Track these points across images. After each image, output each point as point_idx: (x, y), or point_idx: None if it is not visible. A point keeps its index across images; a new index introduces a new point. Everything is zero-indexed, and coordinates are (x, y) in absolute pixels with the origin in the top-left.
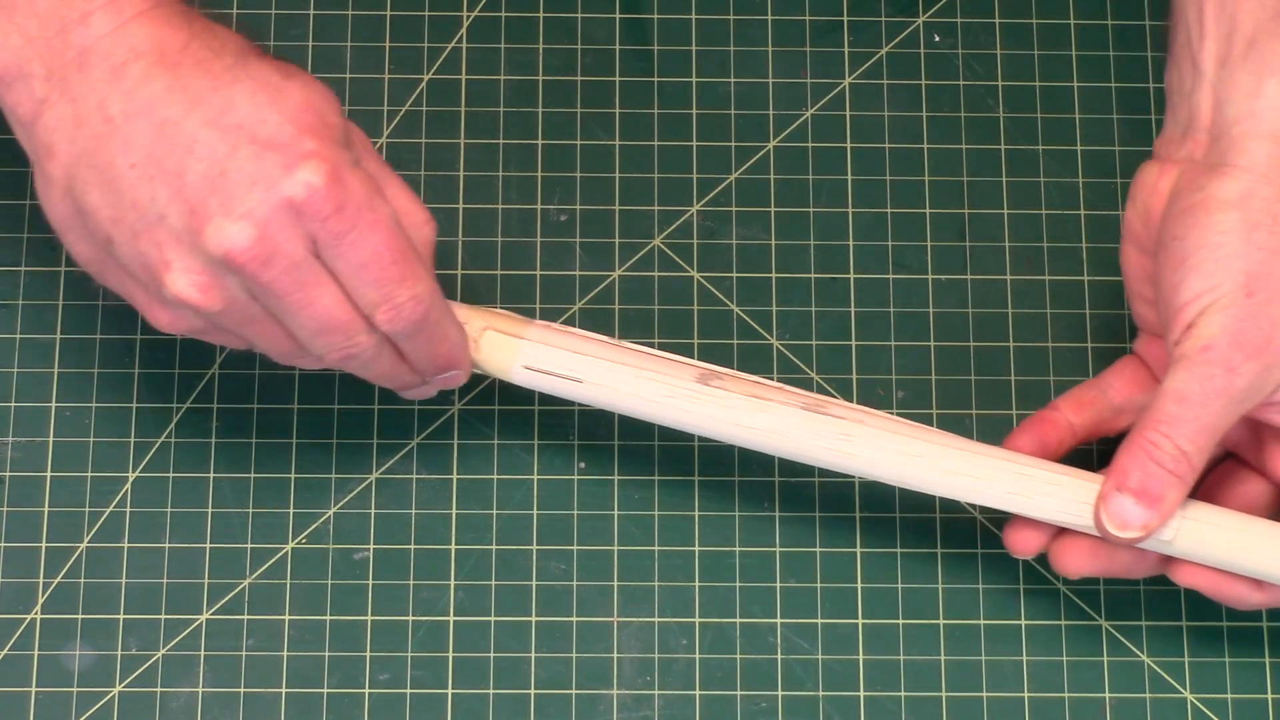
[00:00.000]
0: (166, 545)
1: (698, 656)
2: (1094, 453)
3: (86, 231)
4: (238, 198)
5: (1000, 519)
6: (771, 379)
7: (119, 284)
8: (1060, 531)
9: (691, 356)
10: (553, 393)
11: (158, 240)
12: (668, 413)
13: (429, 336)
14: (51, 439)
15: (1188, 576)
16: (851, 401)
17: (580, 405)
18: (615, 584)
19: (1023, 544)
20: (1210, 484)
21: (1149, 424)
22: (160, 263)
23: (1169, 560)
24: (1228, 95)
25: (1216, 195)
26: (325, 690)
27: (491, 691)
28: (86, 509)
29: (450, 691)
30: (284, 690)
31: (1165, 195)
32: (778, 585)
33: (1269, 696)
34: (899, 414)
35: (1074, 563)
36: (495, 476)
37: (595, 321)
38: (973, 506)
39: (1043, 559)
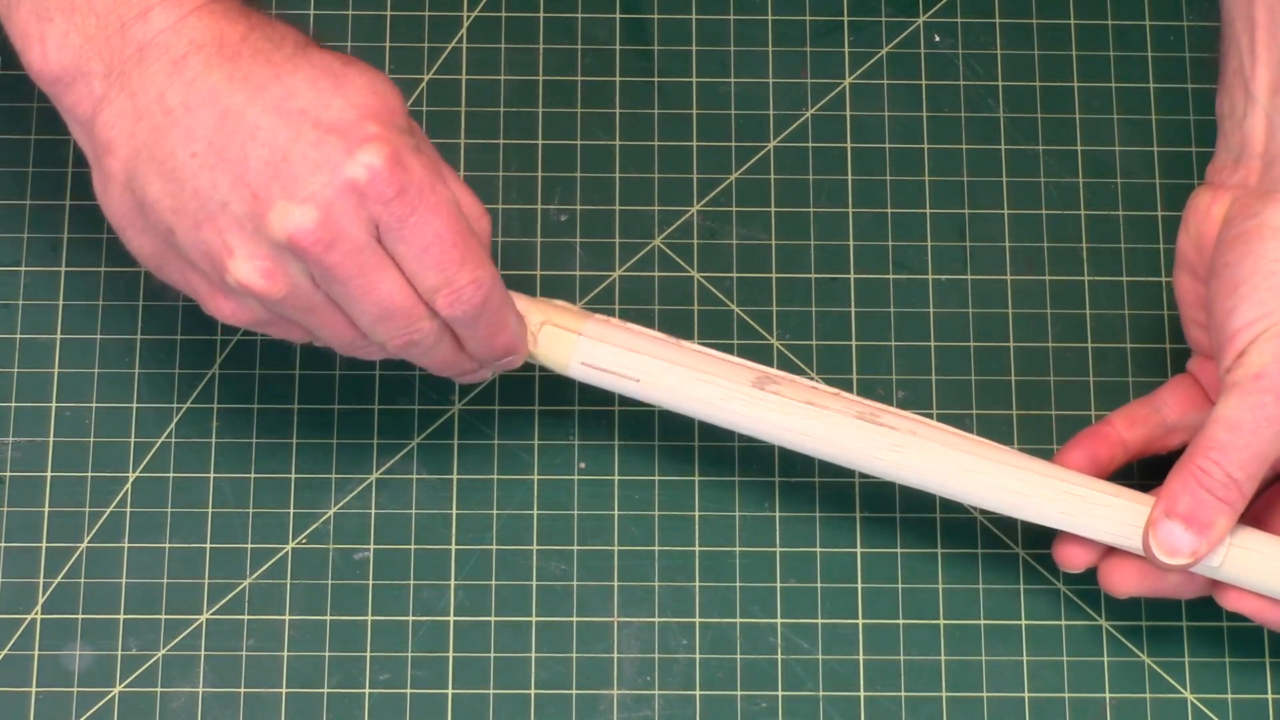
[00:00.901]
0: (166, 545)
1: (698, 656)
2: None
3: (148, 224)
4: (301, 182)
5: (1000, 520)
6: (827, 386)
7: (181, 277)
8: (1109, 550)
9: None
10: (608, 388)
11: (220, 227)
12: (722, 414)
13: (489, 323)
14: (52, 439)
15: (1234, 601)
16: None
17: (638, 404)
18: (615, 584)
19: (1072, 559)
20: (1259, 507)
21: (1199, 451)
22: (223, 249)
23: (1216, 586)
24: None
25: (1270, 223)
26: (325, 690)
27: (491, 691)
28: (87, 509)
29: (450, 691)
30: (284, 690)
31: (1218, 221)
32: (778, 585)
33: (1269, 696)
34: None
35: (1122, 583)
36: (495, 476)
37: None
38: (973, 507)
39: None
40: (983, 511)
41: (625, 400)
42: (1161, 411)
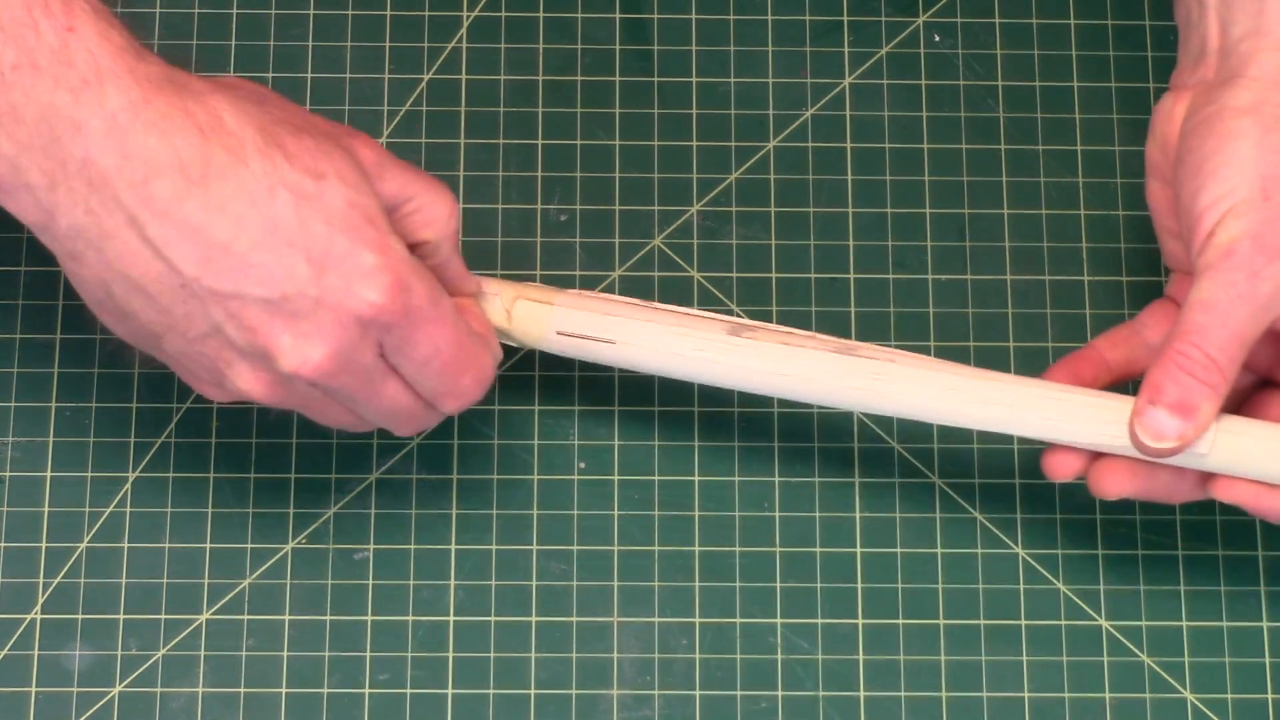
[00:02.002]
0: (166, 545)
1: (698, 656)
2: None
3: (129, 327)
4: (303, 319)
5: (1000, 519)
6: (801, 329)
7: (172, 363)
8: (1098, 455)
9: None
10: (586, 357)
11: (217, 347)
12: (700, 366)
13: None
14: (51, 439)
15: (1227, 490)
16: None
17: (618, 370)
18: (615, 584)
19: (1061, 467)
20: (1245, 411)
21: (1178, 336)
22: (221, 362)
23: (1208, 480)
24: (1232, 17)
25: (1230, 104)
26: (325, 690)
27: (491, 691)
28: (86, 509)
29: (450, 691)
30: (284, 690)
31: (1180, 119)
32: (778, 585)
33: (1269, 696)
34: None
35: (1113, 484)
36: (495, 476)
37: None
38: (972, 506)
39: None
40: (983, 511)
41: (626, 399)
42: (1142, 333)
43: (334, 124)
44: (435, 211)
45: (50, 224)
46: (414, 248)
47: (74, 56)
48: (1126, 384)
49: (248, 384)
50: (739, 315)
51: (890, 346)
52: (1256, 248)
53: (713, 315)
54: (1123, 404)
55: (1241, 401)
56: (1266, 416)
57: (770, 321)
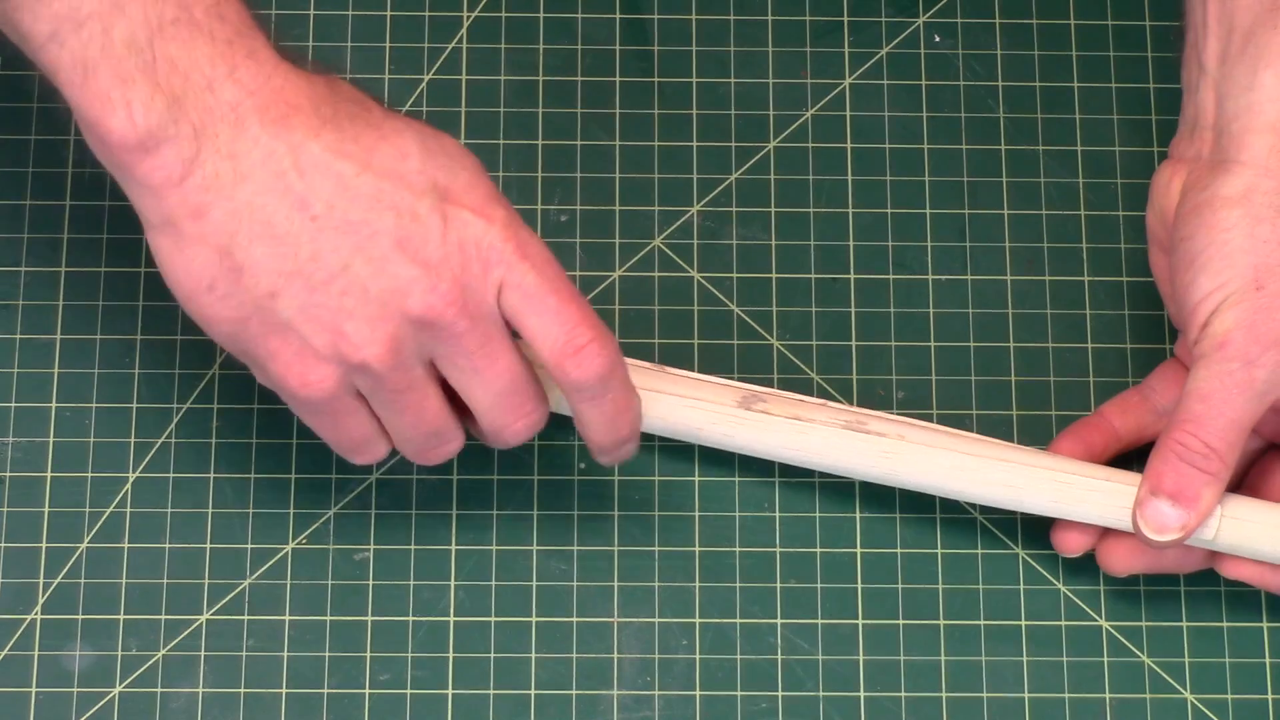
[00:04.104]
0: (166, 545)
1: (698, 657)
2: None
3: (237, 289)
4: (429, 248)
5: (1000, 519)
6: (812, 397)
7: (261, 345)
8: (1106, 532)
9: (692, 356)
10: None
11: (341, 290)
12: (713, 437)
13: (616, 396)
14: (52, 439)
15: (1234, 570)
16: (853, 403)
17: None
18: (615, 584)
19: (1069, 544)
20: (1255, 475)
21: (1176, 425)
22: (340, 312)
23: (1214, 558)
24: (1227, 90)
25: (1220, 193)
26: (325, 690)
27: (492, 692)
28: (87, 509)
29: (450, 692)
30: (284, 691)
31: (1177, 195)
32: (778, 585)
33: (1269, 697)
34: (902, 414)
35: (1120, 562)
36: (495, 477)
37: None
38: (973, 507)
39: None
40: (983, 511)
41: None
42: (1151, 399)
43: None
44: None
45: (188, 175)
46: None
47: (226, 12)
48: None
49: (365, 339)
50: (742, 317)
51: (901, 419)
52: (1250, 337)
53: (724, 383)
54: (1129, 486)
55: (1249, 465)
56: (1274, 479)
57: (770, 323)
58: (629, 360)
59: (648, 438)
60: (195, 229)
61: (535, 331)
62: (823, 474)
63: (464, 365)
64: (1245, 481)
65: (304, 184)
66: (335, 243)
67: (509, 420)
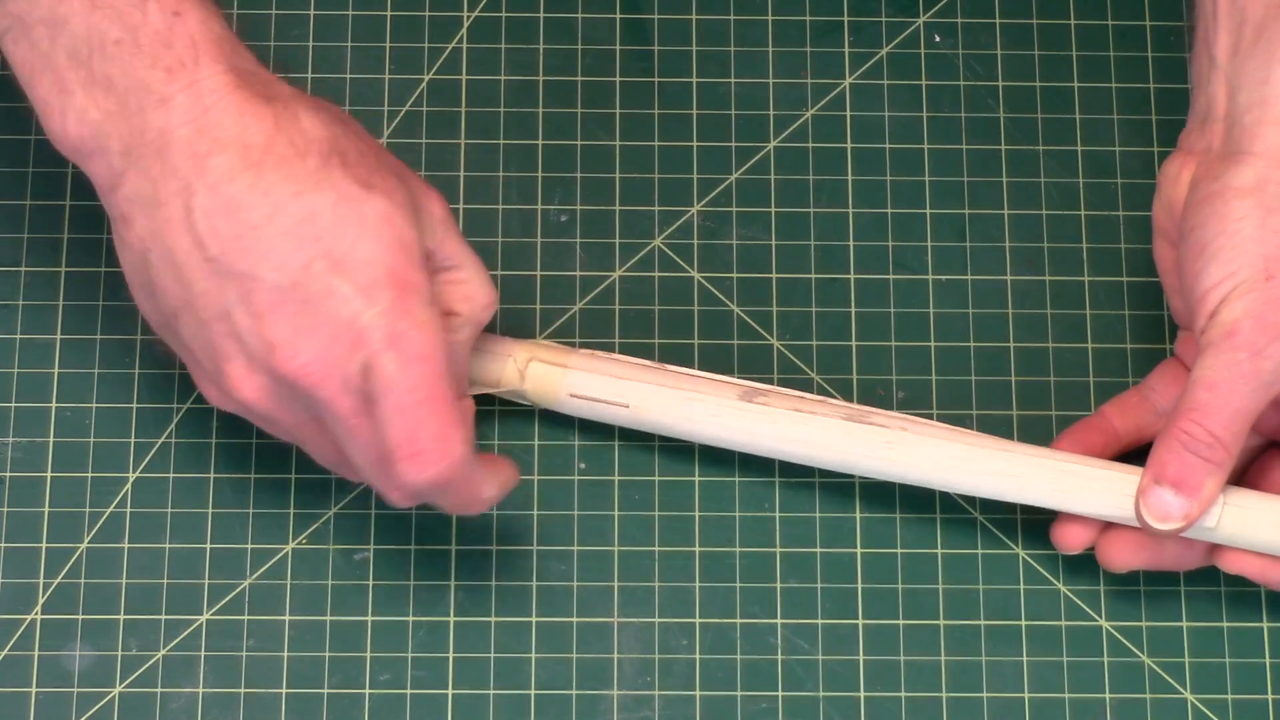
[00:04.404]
0: (167, 545)
1: (698, 657)
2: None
3: (154, 302)
4: (305, 313)
5: (1000, 519)
6: (812, 393)
7: (177, 350)
8: (1106, 527)
9: (692, 357)
10: (599, 418)
11: (222, 333)
12: (712, 430)
13: (457, 494)
14: (52, 439)
15: (1234, 563)
16: (853, 402)
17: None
18: (615, 584)
19: (1070, 539)
20: (1254, 473)
21: (1182, 414)
22: (222, 355)
23: (1216, 549)
24: (1239, 83)
25: (1232, 184)
26: (325, 691)
27: (491, 692)
28: (87, 509)
29: (450, 692)
30: (284, 691)
31: (1186, 186)
32: (778, 585)
33: (1269, 697)
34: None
35: (1120, 556)
36: None
37: (595, 321)
38: (972, 506)
39: (1052, 559)
40: (983, 511)
41: None
42: (1150, 398)
43: (413, 174)
44: (476, 290)
45: (115, 189)
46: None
47: (175, 39)
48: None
49: (240, 383)
50: (742, 317)
51: (901, 414)
52: (1259, 327)
53: (725, 380)
54: (1132, 477)
55: (1249, 462)
56: (1273, 476)
57: (770, 323)
58: (628, 359)
59: (647, 438)
60: (126, 233)
61: (380, 422)
62: (823, 474)
63: (336, 428)
64: (1244, 479)
65: (206, 225)
66: (221, 287)
67: (386, 487)
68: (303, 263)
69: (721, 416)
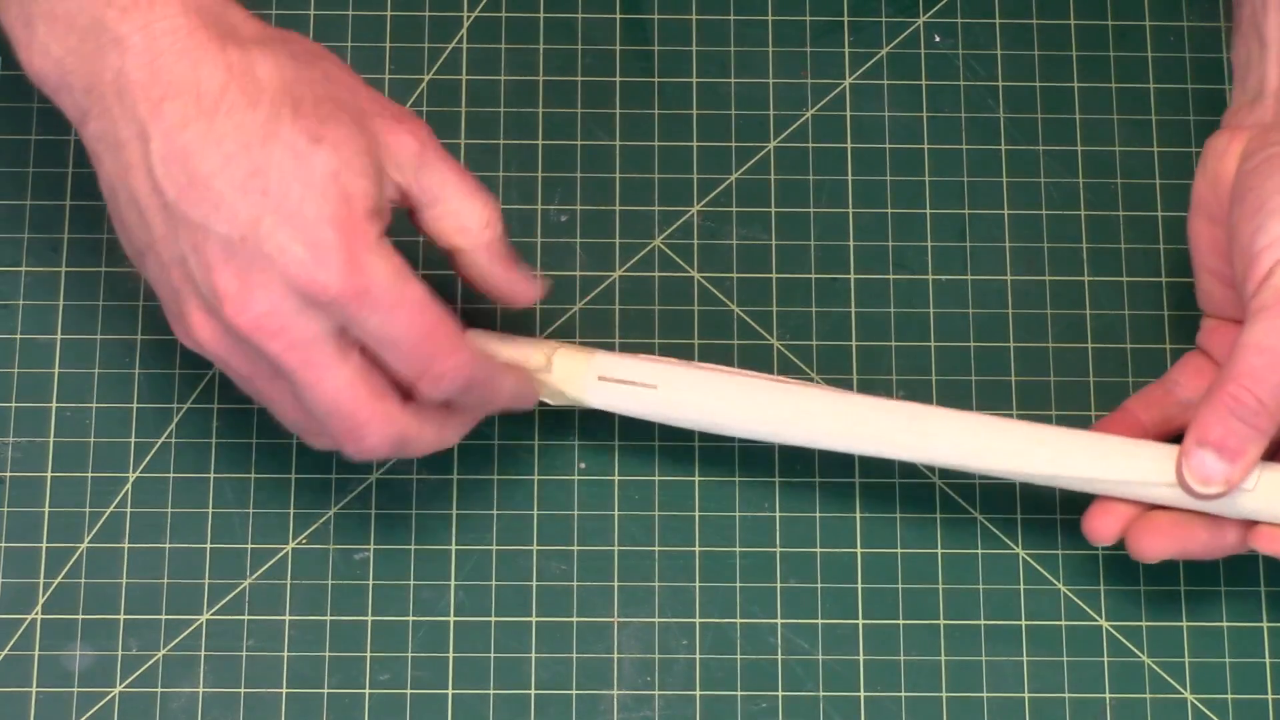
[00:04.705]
0: (167, 545)
1: (698, 657)
2: None
3: (125, 236)
4: (253, 269)
5: (1000, 519)
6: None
7: (151, 282)
8: (1137, 516)
9: (692, 357)
10: (628, 409)
11: (180, 277)
12: (745, 411)
13: (482, 392)
14: (52, 439)
15: (1269, 542)
16: None
17: (656, 421)
18: (615, 584)
19: (1102, 529)
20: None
21: (1230, 378)
22: (182, 298)
23: (1248, 532)
24: None
25: None
26: (325, 691)
27: (492, 692)
28: (87, 509)
29: (450, 692)
30: (284, 690)
31: (1236, 159)
32: (778, 585)
33: (1269, 697)
34: None
35: (1152, 544)
36: (495, 476)
37: (596, 322)
38: (971, 504)
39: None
40: (983, 511)
41: None
42: (1174, 391)
43: (388, 104)
44: (467, 218)
45: (83, 124)
46: (451, 255)
47: None
48: None
49: (199, 327)
50: (742, 317)
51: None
52: None
53: (760, 375)
54: (1168, 449)
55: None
56: None
57: (770, 323)
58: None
59: (647, 438)
60: (98, 168)
61: (389, 365)
62: (823, 474)
63: (290, 381)
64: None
65: (162, 170)
66: (176, 233)
67: (341, 442)
68: (251, 218)
69: (756, 394)
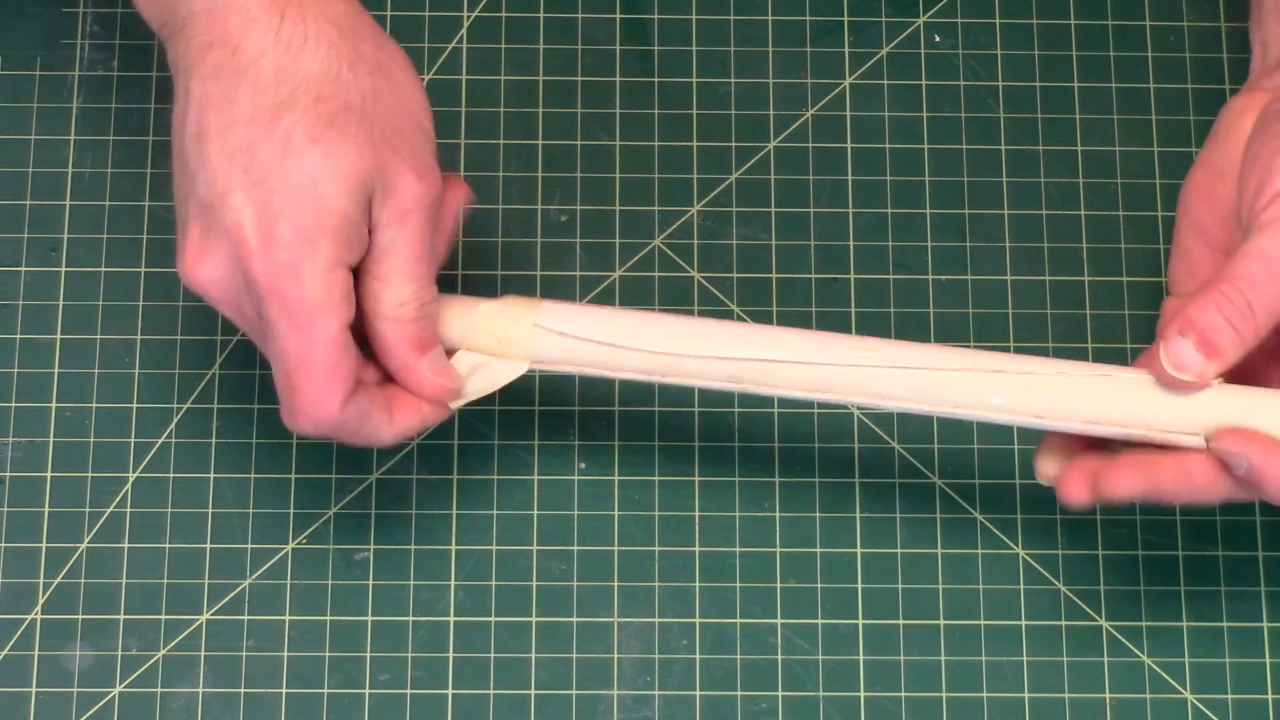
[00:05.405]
0: (167, 545)
1: (698, 657)
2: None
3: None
4: (211, 236)
5: (1000, 519)
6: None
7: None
8: (1104, 456)
9: None
10: (576, 366)
11: (188, 210)
12: (714, 351)
13: (352, 440)
14: (52, 439)
15: (1235, 441)
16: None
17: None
18: (615, 584)
19: (1049, 468)
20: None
21: (1225, 279)
22: (181, 230)
23: (1215, 438)
24: None
25: None
26: (325, 691)
27: (492, 692)
28: (87, 509)
29: (450, 692)
30: (284, 691)
31: (1254, 115)
32: (778, 585)
33: (1269, 697)
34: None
35: (1122, 484)
36: (495, 476)
37: None
38: (971, 504)
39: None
40: (983, 511)
41: (626, 400)
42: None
43: (424, 152)
44: (394, 290)
45: (165, 53)
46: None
47: None
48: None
49: (189, 261)
50: (742, 317)
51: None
52: None
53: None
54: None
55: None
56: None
57: (770, 323)
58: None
59: (647, 438)
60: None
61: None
62: (823, 474)
63: (264, 325)
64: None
65: (193, 111)
66: (183, 174)
67: (285, 406)
68: (223, 189)
69: (715, 334)
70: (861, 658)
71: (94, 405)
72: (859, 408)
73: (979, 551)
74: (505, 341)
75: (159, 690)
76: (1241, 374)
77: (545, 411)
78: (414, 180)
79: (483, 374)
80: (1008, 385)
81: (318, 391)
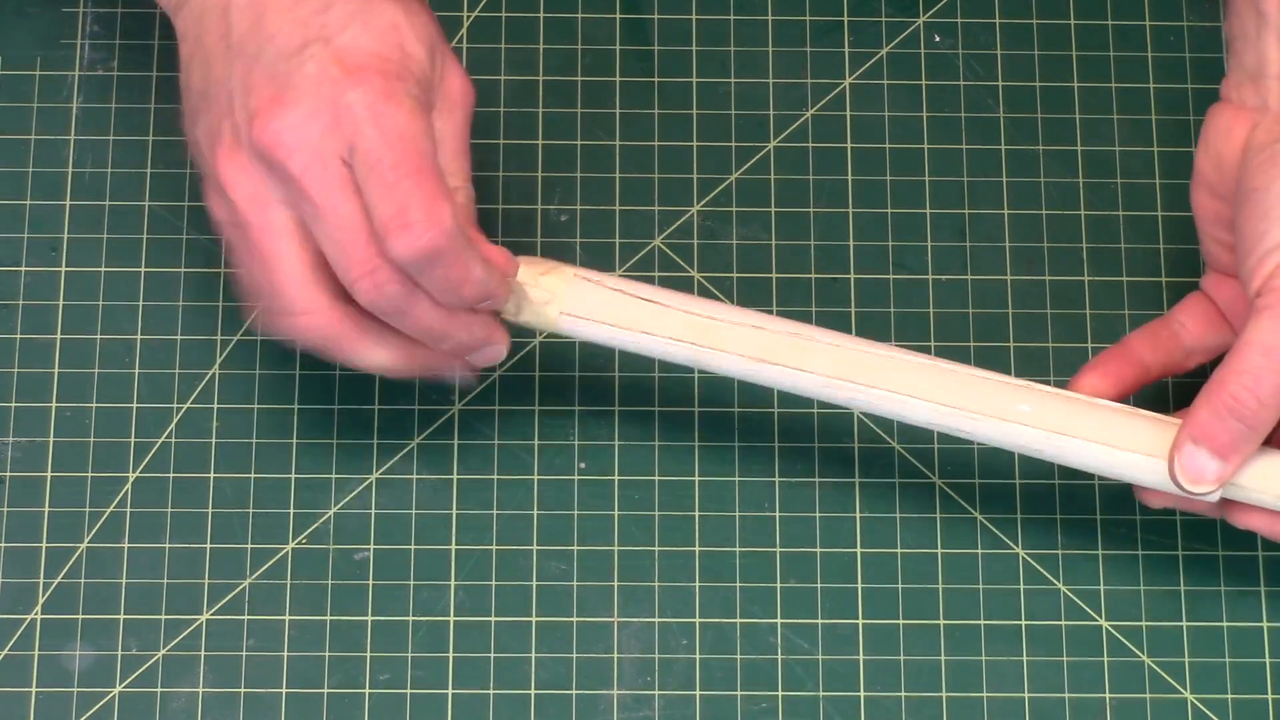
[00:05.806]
0: (167, 545)
1: (698, 657)
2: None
3: (192, 110)
4: (289, 88)
5: (1000, 519)
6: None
7: (193, 146)
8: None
9: None
10: (608, 325)
11: (221, 114)
12: (729, 348)
13: (447, 272)
14: (51, 439)
15: (1244, 518)
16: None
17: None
18: (615, 584)
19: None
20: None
21: (1232, 376)
22: (217, 137)
23: (1227, 504)
24: None
25: None
26: (325, 690)
27: (492, 692)
28: (87, 509)
29: (450, 692)
30: (284, 690)
31: (1240, 143)
32: (778, 585)
33: (1269, 697)
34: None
35: (1156, 496)
36: (495, 476)
37: None
38: (971, 504)
39: (1052, 559)
40: (983, 511)
41: (626, 399)
42: (1180, 335)
43: (457, 69)
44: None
45: (178, 12)
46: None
47: None
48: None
49: (223, 161)
50: None
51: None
52: None
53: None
54: (1167, 423)
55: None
56: None
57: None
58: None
59: (647, 438)
60: (182, 48)
61: (369, 202)
62: (823, 474)
63: (304, 209)
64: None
65: (237, 15)
66: (230, 67)
67: (397, 225)
68: (300, 43)
69: (744, 324)
70: (861, 657)
71: (94, 405)
72: (865, 413)
73: (979, 551)
74: (541, 288)
75: (159, 690)
76: None
77: (545, 411)
78: (463, 77)
79: (518, 301)
80: (1034, 399)
81: (431, 199)
